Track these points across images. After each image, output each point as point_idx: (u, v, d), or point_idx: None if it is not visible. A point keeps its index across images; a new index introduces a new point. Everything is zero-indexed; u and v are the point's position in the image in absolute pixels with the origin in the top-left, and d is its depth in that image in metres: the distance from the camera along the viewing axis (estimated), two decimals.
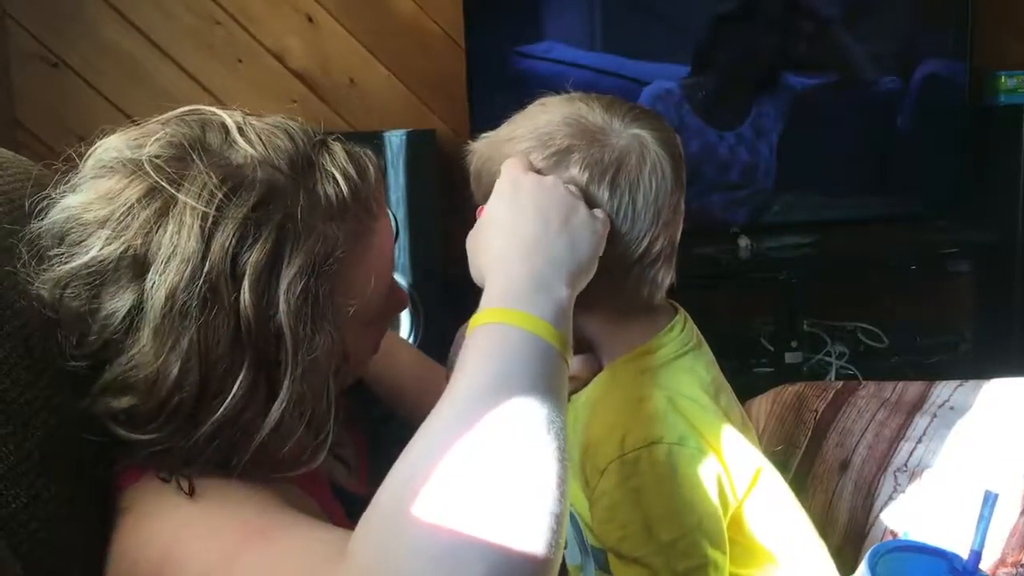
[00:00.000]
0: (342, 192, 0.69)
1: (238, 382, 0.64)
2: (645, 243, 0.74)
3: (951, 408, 1.21)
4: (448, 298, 2.12)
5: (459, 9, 2.12)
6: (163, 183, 0.63)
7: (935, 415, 1.20)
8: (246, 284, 0.63)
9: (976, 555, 0.73)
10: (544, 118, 0.76)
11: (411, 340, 2.06)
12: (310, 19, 2.22)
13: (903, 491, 1.10)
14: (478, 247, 0.70)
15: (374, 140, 2.03)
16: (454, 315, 2.25)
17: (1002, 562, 0.97)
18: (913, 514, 1.06)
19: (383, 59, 2.26)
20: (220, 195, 0.63)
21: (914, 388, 1.27)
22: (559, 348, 0.62)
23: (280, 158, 0.68)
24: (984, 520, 0.74)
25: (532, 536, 0.52)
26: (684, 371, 0.78)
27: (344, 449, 0.85)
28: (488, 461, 0.54)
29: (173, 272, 0.62)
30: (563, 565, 0.86)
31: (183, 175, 0.64)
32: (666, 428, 0.73)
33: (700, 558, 0.72)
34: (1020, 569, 0.96)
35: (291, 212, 0.65)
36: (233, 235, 0.63)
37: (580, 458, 0.76)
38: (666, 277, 0.78)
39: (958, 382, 1.26)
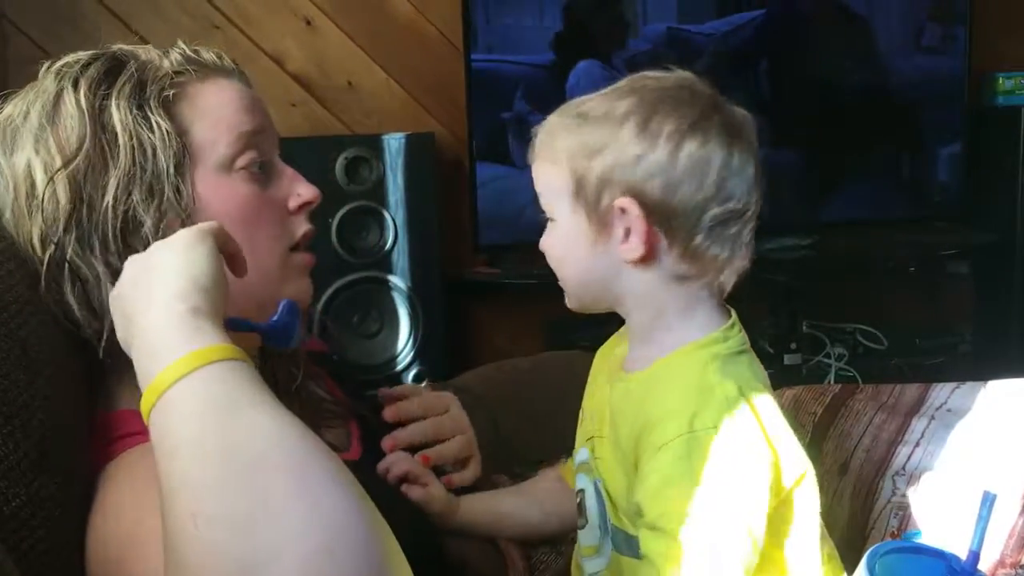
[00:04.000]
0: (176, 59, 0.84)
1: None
2: (705, 194, 0.77)
3: (949, 410, 1.21)
4: (446, 300, 2.13)
5: (457, 12, 2.12)
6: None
7: (933, 417, 1.20)
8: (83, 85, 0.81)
9: (975, 556, 0.73)
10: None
11: (410, 341, 2.08)
12: (308, 22, 2.22)
13: (902, 494, 1.10)
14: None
15: (373, 143, 2.04)
16: (452, 316, 2.28)
17: (1001, 563, 0.97)
18: (912, 516, 1.06)
19: (381, 62, 2.26)
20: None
21: (912, 391, 1.27)
22: (228, 356, 0.56)
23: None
24: (982, 521, 0.74)
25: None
26: (748, 367, 0.80)
27: (335, 431, 0.90)
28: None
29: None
30: (577, 545, 0.87)
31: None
32: (736, 416, 0.74)
33: (740, 544, 0.72)
34: (1019, 570, 0.96)
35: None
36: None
37: (637, 434, 0.76)
38: (737, 251, 0.82)
39: (955, 384, 1.26)
